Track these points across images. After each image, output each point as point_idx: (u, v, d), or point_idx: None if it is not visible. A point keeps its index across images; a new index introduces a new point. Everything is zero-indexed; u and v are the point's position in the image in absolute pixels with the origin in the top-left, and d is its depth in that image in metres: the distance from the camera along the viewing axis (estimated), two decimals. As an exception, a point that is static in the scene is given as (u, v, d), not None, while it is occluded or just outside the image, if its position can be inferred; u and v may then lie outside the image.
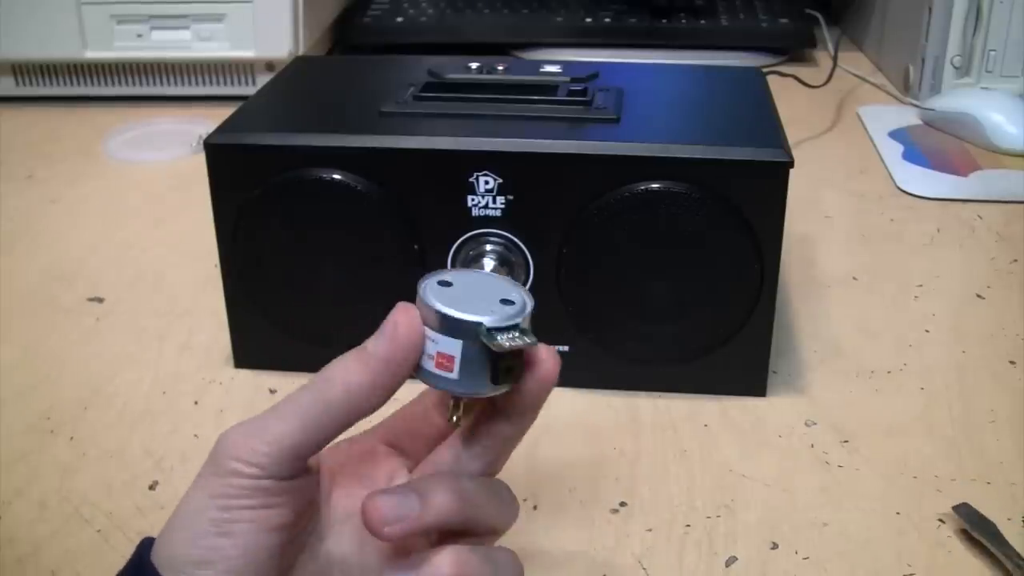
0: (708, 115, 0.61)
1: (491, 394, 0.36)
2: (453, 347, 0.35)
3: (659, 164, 0.53)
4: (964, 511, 0.48)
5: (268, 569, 0.35)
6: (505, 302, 0.36)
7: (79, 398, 0.59)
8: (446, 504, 0.36)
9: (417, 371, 0.36)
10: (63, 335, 0.65)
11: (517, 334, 0.35)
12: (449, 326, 0.35)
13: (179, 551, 0.34)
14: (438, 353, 0.35)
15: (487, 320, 0.35)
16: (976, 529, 0.47)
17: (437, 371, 0.36)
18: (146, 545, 0.35)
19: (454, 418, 0.38)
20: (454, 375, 0.35)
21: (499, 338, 0.35)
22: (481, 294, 0.37)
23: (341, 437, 0.36)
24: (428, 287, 0.36)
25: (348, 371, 0.35)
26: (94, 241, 0.78)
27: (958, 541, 0.47)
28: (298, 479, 0.35)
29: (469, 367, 0.35)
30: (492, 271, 0.55)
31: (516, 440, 0.39)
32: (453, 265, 0.56)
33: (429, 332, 0.35)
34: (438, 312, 0.35)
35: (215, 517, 0.34)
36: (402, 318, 0.35)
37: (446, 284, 0.37)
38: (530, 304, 0.37)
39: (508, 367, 0.36)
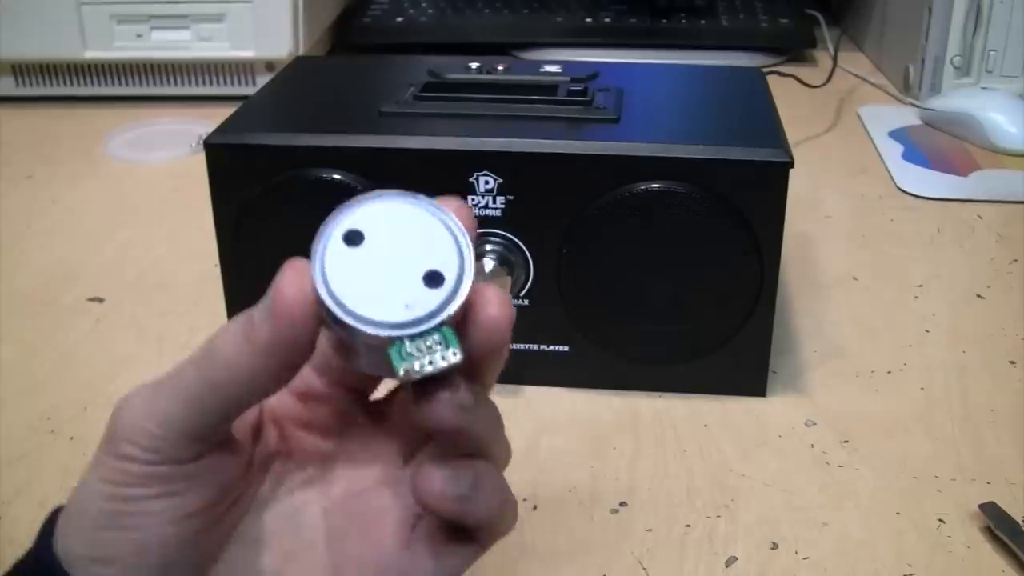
0: (708, 115, 0.61)
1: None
2: (352, 342, 0.28)
3: (659, 164, 0.53)
4: (990, 509, 0.48)
5: (184, 559, 0.31)
6: (431, 279, 0.28)
7: (79, 398, 0.59)
8: (494, 498, 0.31)
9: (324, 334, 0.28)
10: (63, 335, 0.65)
11: (438, 344, 0.27)
12: (341, 327, 0.27)
13: (75, 546, 0.30)
14: (339, 339, 0.29)
15: (394, 331, 0.27)
16: (1002, 528, 0.47)
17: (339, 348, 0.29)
18: (51, 522, 0.31)
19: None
20: (360, 361, 0.29)
21: (408, 360, 0.27)
22: (399, 262, 0.28)
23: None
24: (327, 248, 0.28)
25: (231, 350, 0.29)
26: (94, 241, 0.78)
27: (958, 541, 0.47)
28: (208, 458, 0.30)
29: (376, 357, 0.28)
30: (492, 272, 0.55)
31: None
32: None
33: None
34: (332, 313, 0.27)
35: (108, 509, 0.30)
36: (288, 289, 0.28)
37: (355, 237, 0.28)
38: (467, 278, 0.28)
39: (425, 382, 0.28)
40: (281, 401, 0.34)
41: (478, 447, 0.31)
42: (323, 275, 0.27)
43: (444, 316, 0.27)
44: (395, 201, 0.29)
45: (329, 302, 0.27)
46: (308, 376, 0.34)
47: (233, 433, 0.32)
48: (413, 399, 0.29)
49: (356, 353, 0.29)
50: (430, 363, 0.27)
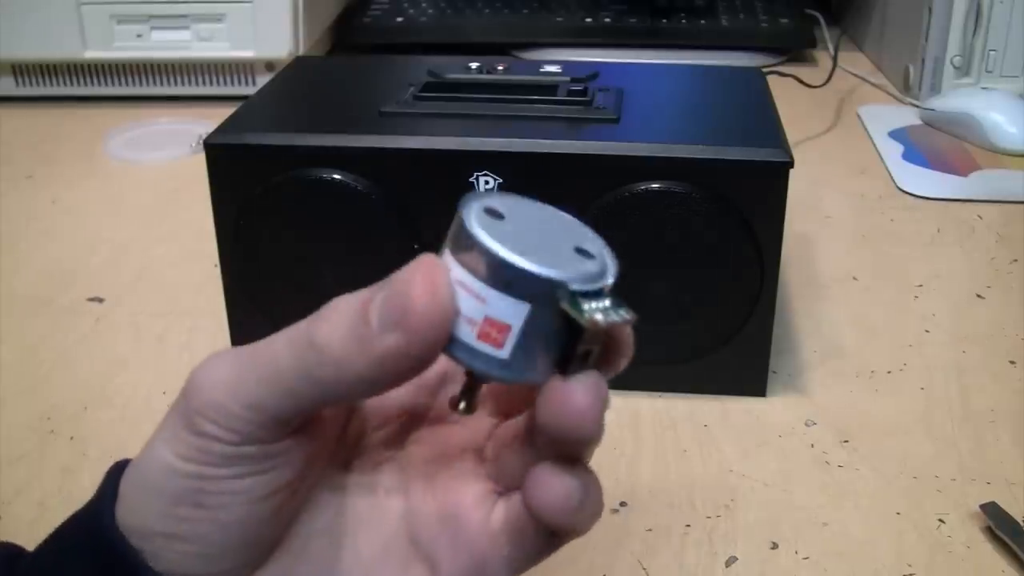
0: (708, 115, 0.61)
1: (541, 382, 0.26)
2: (513, 312, 0.25)
3: (659, 164, 0.53)
4: (991, 509, 0.48)
5: (261, 537, 0.29)
6: (581, 253, 0.26)
7: (79, 398, 0.59)
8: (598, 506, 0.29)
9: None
10: (63, 335, 0.65)
11: (609, 304, 0.25)
12: (512, 281, 0.24)
13: (147, 522, 0.28)
14: (486, 319, 0.25)
15: (571, 279, 0.24)
16: (1002, 528, 0.47)
17: (478, 344, 0.25)
18: (113, 477, 0.29)
19: (462, 405, 0.28)
20: (503, 353, 0.25)
21: (586, 307, 0.24)
22: (547, 237, 0.25)
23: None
24: (473, 214, 0.25)
25: (341, 350, 0.26)
26: (94, 241, 0.78)
27: (958, 541, 0.47)
28: (295, 437, 0.29)
29: (528, 343, 0.25)
30: None
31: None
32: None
33: (473, 284, 0.25)
34: (497, 258, 0.24)
35: (188, 486, 0.28)
36: (424, 289, 0.25)
37: (495, 215, 0.25)
38: (612, 261, 0.26)
39: (586, 352, 0.26)
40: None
41: (591, 452, 0.29)
42: (479, 236, 0.24)
43: (611, 278, 0.25)
44: (519, 197, 0.27)
45: (500, 250, 0.24)
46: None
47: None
48: (558, 395, 0.26)
49: (502, 343, 0.25)
50: (612, 313, 0.24)
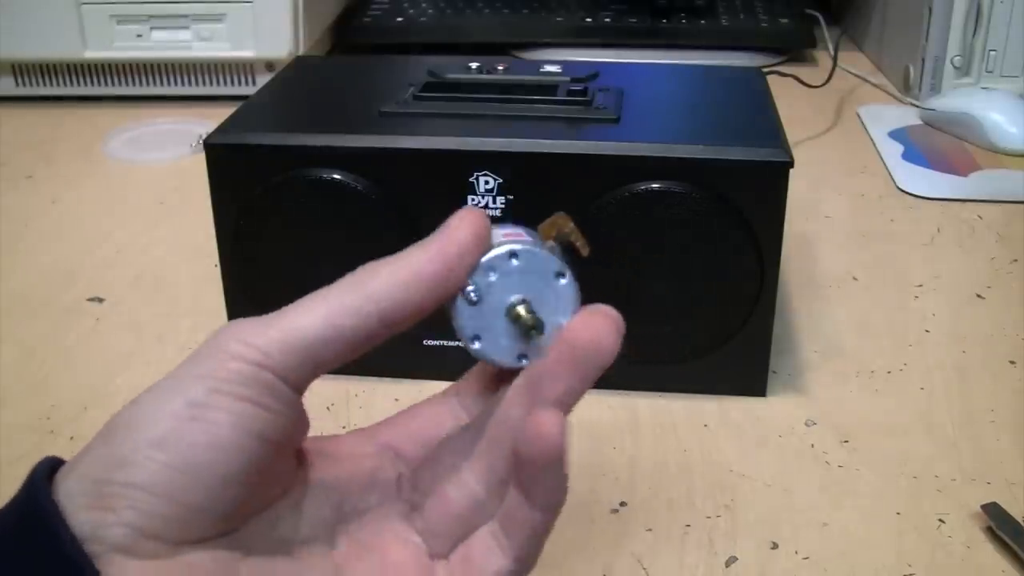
0: (708, 115, 0.61)
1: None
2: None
3: (659, 164, 0.53)
4: (992, 510, 0.48)
5: (229, 486, 0.29)
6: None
7: (79, 398, 0.59)
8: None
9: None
10: (63, 335, 0.65)
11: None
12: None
13: (138, 427, 0.29)
14: (505, 234, 0.33)
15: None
16: (1003, 529, 0.47)
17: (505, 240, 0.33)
18: (44, 465, 0.30)
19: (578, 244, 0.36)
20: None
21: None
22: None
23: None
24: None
25: (394, 276, 0.31)
26: (94, 241, 0.78)
27: (958, 541, 0.47)
28: (299, 402, 0.31)
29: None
30: None
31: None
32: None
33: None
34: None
35: (194, 398, 0.29)
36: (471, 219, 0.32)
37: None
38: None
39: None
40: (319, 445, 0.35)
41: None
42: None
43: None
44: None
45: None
46: (366, 439, 0.35)
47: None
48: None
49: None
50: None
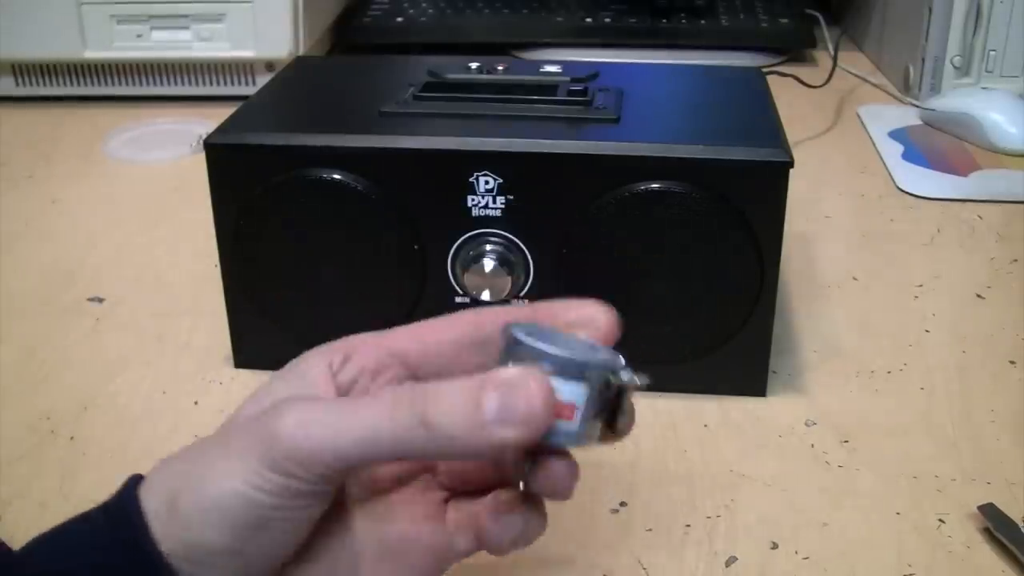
0: (708, 115, 0.61)
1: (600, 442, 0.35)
2: (577, 393, 0.32)
3: (659, 164, 0.53)
4: (990, 511, 0.48)
5: (289, 556, 0.34)
6: (593, 348, 0.35)
7: (79, 398, 0.59)
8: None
9: None
10: (63, 335, 0.65)
11: (632, 372, 0.34)
12: (575, 371, 0.32)
13: (210, 537, 0.32)
14: (557, 404, 0.32)
15: (614, 362, 0.33)
16: (1001, 530, 0.47)
17: (556, 422, 0.32)
18: (133, 482, 0.34)
19: (527, 468, 0.35)
20: (574, 425, 0.33)
21: (626, 377, 0.34)
22: (568, 341, 0.34)
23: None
24: (524, 332, 0.33)
25: (456, 430, 0.31)
26: (94, 241, 0.78)
27: (958, 541, 0.47)
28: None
29: (588, 414, 0.33)
30: (492, 271, 0.55)
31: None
32: (453, 265, 0.56)
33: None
34: (563, 359, 0.32)
35: (260, 515, 0.32)
36: (541, 395, 0.31)
37: (530, 334, 0.33)
38: (611, 350, 0.35)
39: (625, 407, 0.35)
40: None
41: None
42: (537, 346, 0.32)
43: (622, 359, 0.34)
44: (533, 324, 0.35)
45: (559, 352, 0.32)
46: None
47: None
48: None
49: (573, 417, 0.33)
50: (641, 378, 0.34)
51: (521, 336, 0.33)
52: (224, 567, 0.32)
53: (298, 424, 0.32)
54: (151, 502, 0.33)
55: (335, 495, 0.34)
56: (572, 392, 0.32)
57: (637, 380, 0.33)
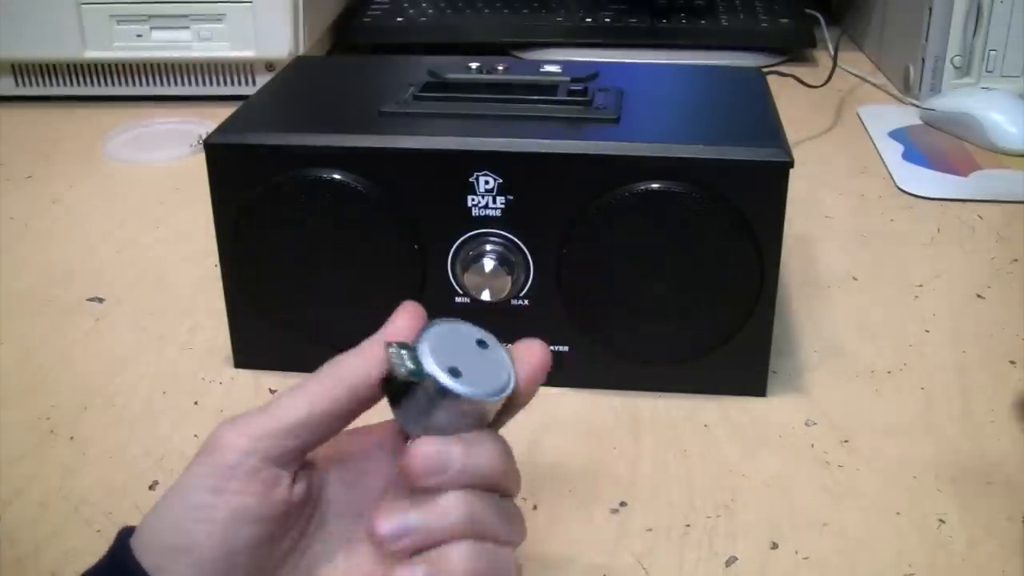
0: (708, 115, 0.61)
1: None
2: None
3: (659, 164, 0.53)
4: None
5: (244, 565, 0.35)
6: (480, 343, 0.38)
7: (79, 398, 0.59)
8: (489, 460, 0.36)
9: None
10: (63, 335, 0.65)
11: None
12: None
13: (159, 536, 0.34)
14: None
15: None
16: None
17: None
18: (125, 533, 0.35)
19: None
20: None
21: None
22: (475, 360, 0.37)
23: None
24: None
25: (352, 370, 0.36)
26: (94, 241, 0.78)
27: (958, 541, 0.47)
28: (292, 476, 0.36)
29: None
30: (492, 271, 0.55)
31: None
32: (453, 265, 0.56)
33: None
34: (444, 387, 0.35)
35: (198, 502, 0.34)
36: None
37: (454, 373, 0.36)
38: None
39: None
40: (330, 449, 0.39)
41: None
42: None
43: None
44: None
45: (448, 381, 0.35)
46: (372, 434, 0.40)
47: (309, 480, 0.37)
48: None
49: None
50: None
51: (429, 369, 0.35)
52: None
53: (230, 419, 0.36)
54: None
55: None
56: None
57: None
